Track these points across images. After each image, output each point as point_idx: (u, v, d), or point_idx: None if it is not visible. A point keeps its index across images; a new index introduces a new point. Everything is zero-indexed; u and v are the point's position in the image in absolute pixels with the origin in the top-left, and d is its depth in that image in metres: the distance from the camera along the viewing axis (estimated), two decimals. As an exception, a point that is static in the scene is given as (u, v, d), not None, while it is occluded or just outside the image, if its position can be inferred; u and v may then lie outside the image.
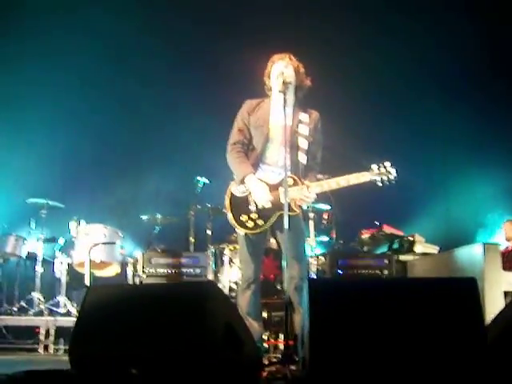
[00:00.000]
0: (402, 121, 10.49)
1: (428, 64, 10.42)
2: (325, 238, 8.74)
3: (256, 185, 4.93)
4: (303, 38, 9.18)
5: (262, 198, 4.89)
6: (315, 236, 8.11)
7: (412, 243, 8.68)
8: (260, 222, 4.91)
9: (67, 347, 3.66)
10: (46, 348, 7.29)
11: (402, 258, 8.35)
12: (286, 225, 4.28)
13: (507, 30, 9.92)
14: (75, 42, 10.07)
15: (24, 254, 8.63)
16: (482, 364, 3.01)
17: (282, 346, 6.32)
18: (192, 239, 8.43)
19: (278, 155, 5.02)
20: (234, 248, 7.85)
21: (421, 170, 10.18)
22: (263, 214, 4.92)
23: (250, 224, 4.93)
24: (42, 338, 7.34)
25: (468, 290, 3.22)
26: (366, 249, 8.99)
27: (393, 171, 4.96)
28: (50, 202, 8.61)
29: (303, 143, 5.05)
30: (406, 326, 3.10)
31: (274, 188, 4.94)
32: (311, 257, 7.73)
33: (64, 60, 10.11)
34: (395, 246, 8.79)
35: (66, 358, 3.45)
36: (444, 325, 3.10)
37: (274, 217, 4.90)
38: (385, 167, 4.94)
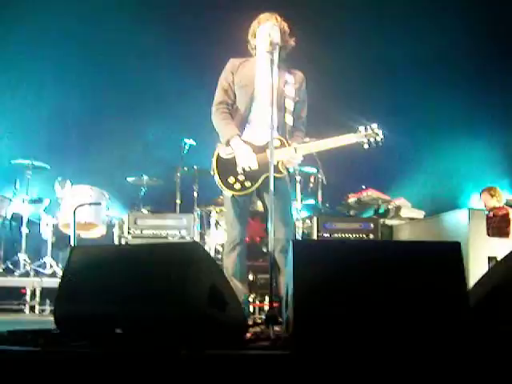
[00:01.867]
0: (390, 83, 10.45)
1: (415, 27, 10.34)
2: (311, 201, 8.77)
3: (240, 147, 4.90)
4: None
5: (246, 161, 4.88)
6: (301, 199, 8.13)
7: (398, 208, 8.72)
8: (247, 183, 4.91)
9: (53, 308, 3.66)
10: (31, 309, 7.32)
11: (388, 222, 8.40)
12: (271, 186, 4.26)
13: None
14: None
15: (9, 215, 8.59)
16: (464, 326, 3.04)
17: (267, 308, 6.35)
18: (178, 201, 8.43)
19: (263, 115, 4.93)
20: (221, 210, 7.85)
21: (407, 133, 10.17)
22: (250, 175, 4.91)
23: (237, 186, 4.92)
24: (27, 298, 7.36)
25: (452, 253, 3.22)
26: (352, 212, 9.03)
27: (380, 133, 4.94)
28: (36, 163, 8.54)
29: (290, 104, 5.04)
30: (390, 288, 3.11)
31: (260, 149, 4.91)
32: (297, 220, 7.76)
33: (50, 20, 9.97)
34: (381, 210, 8.82)
35: (51, 318, 3.46)
36: (428, 287, 3.12)
37: (261, 178, 4.89)
38: (372, 129, 4.92)
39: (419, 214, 8.79)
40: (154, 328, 3.13)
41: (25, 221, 8.38)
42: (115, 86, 10.43)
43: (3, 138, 9.97)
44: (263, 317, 5.84)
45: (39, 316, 7.13)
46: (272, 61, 4.68)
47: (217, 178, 5.00)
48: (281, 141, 4.92)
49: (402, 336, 3.01)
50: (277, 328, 3.89)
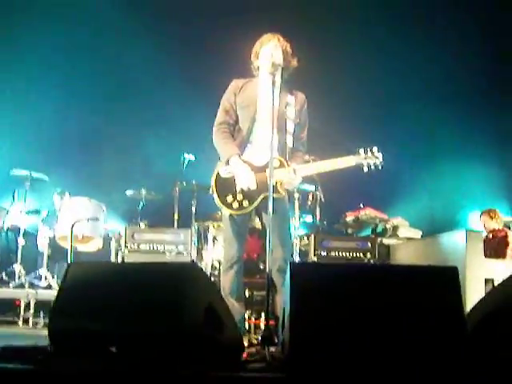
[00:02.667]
0: (388, 104, 10.48)
1: (413, 45, 10.39)
2: (309, 219, 8.76)
3: (239, 167, 4.91)
4: (291, 17, 9.14)
5: (244, 181, 4.88)
6: (299, 216, 8.12)
7: (396, 227, 8.73)
8: (245, 203, 4.91)
9: (47, 321, 3.64)
10: (25, 321, 7.27)
11: (386, 241, 8.40)
12: (270, 208, 4.26)
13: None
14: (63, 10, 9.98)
15: (6, 226, 8.59)
16: (461, 352, 3.03)
17: (262, 326, 6.33)
18: (176, 216, 8.42)
19: (264, 136, 4.93)
20: (218, 226, 7.83)
21: (406, 153, 10.19)
22: (248, 195, 4.90)
23: (235, 205, 4.92)
24: (21, 311, 7.32)
25: (449, 278, 3.22)
26: (349, 231, 9.03)
27: (379, 156, 4.96)
28: (34, 174, 8.55)
29: (290, 126, 5.06)
30: (387, 313, 3.11)
31: (260, 169, 4.91)
32: (295, 237, 7.77)
33: (51, 27, 10.00)
34: (379, 229, 8.83)
35: (45, 331, 3.44)
36: (425, 313, 3.11)
37: (259, 198, 4.89)
38: (372, 152, 4.94)
39: (416, 233, 8.80)
40: (150, 347, 3.12)
41: (21, 232, 8.37)
42: (115, 99, 10.47)
43: (2, 149, 9.96)
44: (259, 336, 5.82)
45: (33, 329, 7.09)
46: (274, 82, 4.73)
47: (215, 196, 5.01)
48: (280, 161, 4.92)
49: (400, 361, 3.00)
50: (272, 349, 3.88)
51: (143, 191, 8.91)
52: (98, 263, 5.01)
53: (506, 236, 8.17)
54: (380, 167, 4.96)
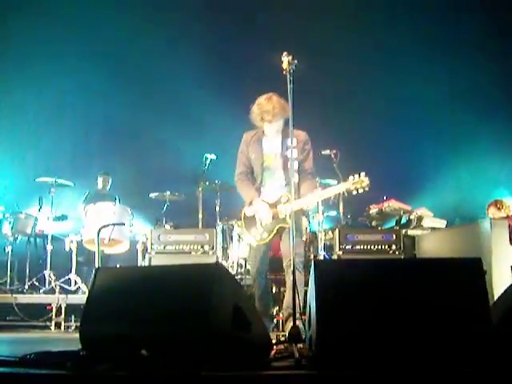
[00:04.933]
0: (411, 94, 10.44)
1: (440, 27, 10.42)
2: (333, 213, 8.78)
3: (260, 206, 5.85)
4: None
5: (264, 217, 5.82)
6: (323, 211, 8.14)
7: (420, 217, 8.68)
8: (265, 235, 5.85)
9: (78, 324, 3.71)
10: (57, 325, 7.38)
11: (410, 232, 8.37)
12: (291, 240, 4.65)
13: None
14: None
15: (34, 233, 8.71)
16: (487, 343, 3.04)
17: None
18: (200, 216, 8.48)
19: (273, 178, 5.98)
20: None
21: (429, 144, 10.17)
22: (267, 228, 5.85)
23: (258, 237, 5.88)
24: (53, 315, 7.43)
25: (474, 269, 3.24)
26: (374, 223, 9.00)
27: (366, 180, 5.67)
28: (59, 181, 8.67)
29: (294, 165, 5.49)
30: (412, 306, 3.13)
31: (273, 206, 5.83)
32: (319, 231, 7.80)
33: (75, 37, 10.14)
34: (403, 220, 8.79)
35: (77, 335, 3.51)
36: (450, 305, 3.13)
37: (275, 230, 5.81)
38: (359, 177, 5.66)
39: (441, 223, 8.75)
40: (179, 350, 3.16)
41: (49, 238, 8.48)
42: (138, 103, 10.54)
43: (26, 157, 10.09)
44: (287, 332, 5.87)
45: (65, 332, 7.20)
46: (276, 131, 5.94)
47: (244, 231, 6.03)
48: (288, 197, 5.67)
49: (426, 354, 3.02)
50: (300, 345, 3.92)
51: (167, 193, 8.99)
52: (125, 268, 5.07)
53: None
54: (367, 189, 5.72)
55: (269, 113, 5.77)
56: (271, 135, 5.98)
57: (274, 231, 5.81)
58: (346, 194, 6.48)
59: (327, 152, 8.09)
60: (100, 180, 9.63)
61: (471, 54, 10.36)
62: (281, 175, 5.94)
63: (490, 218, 6.68)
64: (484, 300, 3.16)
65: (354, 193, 5.75)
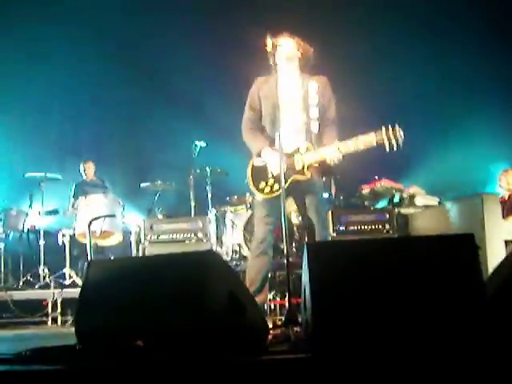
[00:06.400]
0: (399, 73, 10.43)
1: (422, 14, 10.36)
2: (325, 195, 8.77)
3: (270, 157, 5.15)
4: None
5: (275, 166, 5.07)
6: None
7: (412, 196, 8.69)
8: (276, 186, 5.12)
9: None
10: (54, 320, 7.37)
11: (403, 211, 8.38)
12: (282, 193, 4.45)
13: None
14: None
15: (26, 228, 8.69)
16: (481, 319, 3.04)
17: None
18: (193, 203, 8.45)
19: (289, 123, 5.15)
20: (235, 210, 7.89)
21: (418, 121, 10.14)
22: (278, 179, 4.91)
23: (267, 189, 5.19)
24: (49, 310, 7.42)
25: (466, 245, 3.23)
26: (366, 203, 9.00)
27: (401, 132, 4.90)
28: (48, 175, 8.64)
29: (314, 111, 5.22)
30: (406, 285, 3.12)
31: (289, 155, 5.10)
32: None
33: (68, 30, 10.08)
34: (396, 199, 8.79)
35: (73, 329, 3.49)
36: (444, 282, 3.13)
37: (289, 181, 5.04)
38: (394, 130, 4.88)
39: (434, 200, 8.74)
40: (176, 338, 3.16)
41: (42, 233, 8.47)
42: (126, 92, 10.47)
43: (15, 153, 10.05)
44: (283, 316, 5.86)
45: (62, 327, 7.19)
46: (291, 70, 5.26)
47: (250, 183, 5.33)
48: (307, 147, 5.13)
49: (421, 334, 3.02)
50: (296, 328, 3.92)
51: (159, 182, 8.96)
52: (118, 259, 5.06)
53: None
54: (401, 144, 4.87)
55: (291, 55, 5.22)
56: (289, 75, 5.31)
57: (288, 183, 4.99)
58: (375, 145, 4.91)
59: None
60: (83, 168, 9.54)
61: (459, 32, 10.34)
62: (300, 119, 5.18)
63: (483, 193, 6.66)
64: (478, 275, 3.16)
65: (387, 147, 4.84)
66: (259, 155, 5.25)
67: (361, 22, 10.31)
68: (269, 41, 5.05)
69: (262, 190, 5.22)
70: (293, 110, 5.20)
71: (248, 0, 9.90)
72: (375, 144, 4.92)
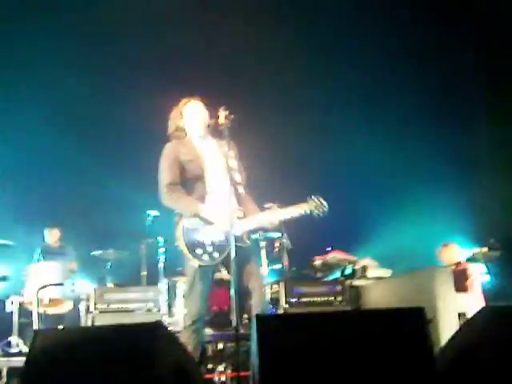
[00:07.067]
0: (351, 143, 10.59)
1: (367, 83, 10.60)
2: (277, 266, 8.76)
3: (211, 213, 4.98)
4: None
5: (214, 233, 4.94)
6: (268, 264, 8.12)
7: (364, 268, 8.72)
8: (215, 254, 4.91)
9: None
10: (-2, 389, 7.15)
11: (356, 283, 8.39)
12: (232, 254, 4.39)
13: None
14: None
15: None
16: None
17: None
18: (144, 273, 8.37)
19: (219, 186, 5.05)
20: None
21: (372, 195, 10.27)
22: (217, 246, 4.94)
23: (205, 257, 4.90)
24: (-6, 379, 7.20)
25: (416, 319, 3.24)
26: (319, 275, 9.01)
27: (325, 203, 5.04)
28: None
29: (238, 176, 5.17)
30: (357, 360, 3.10)
31: (225, 219, 4.87)
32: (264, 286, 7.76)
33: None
34: (348, 271, 8.82)
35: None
36: (394, 355, 3.12)
37: (229, 249, 4.78)
38: (318, 199, 5.03)
39: (386, 272, 8.79)
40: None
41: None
42: (78, 160, 10.42)
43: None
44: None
45: (6, 397, 6.98)
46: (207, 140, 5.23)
47: (184, 249, 4.95)
48: (243, 212, 5.05)
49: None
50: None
51: (111, 250, 8.86)
52: (65, 330, 4.94)
53: (465, 269, 8.16)
54: (325, 214, 5.03)
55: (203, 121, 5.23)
56: (204, 143, 5.28)
57: (227, 251, 4.81)
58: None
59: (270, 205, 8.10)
60: (47, 233, 9.46)
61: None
62: (227, 183, 4.88)
63: (435, 266, 6.72)
64: (428, 348, 3.16)
65: (315, 214, 4.98)
66: (196, 215, 4.98)
67: (297, 92, 10.50)
68: (180, 104, 5.28)
69: (198, 257, 4.90)
70: (219, 174, 5.08)
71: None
72: (304, 213, 5.01)
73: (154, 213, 8.31)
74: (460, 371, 3.31)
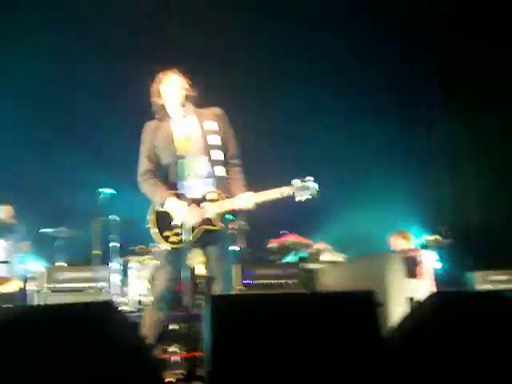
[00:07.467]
0: (311, 128, 10.61)
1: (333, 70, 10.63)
2: (234, 248, 8.74)
3: (176, 208, 4.84)
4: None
5: (181, 218, 4.79)
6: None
7: (319, 252, 8.77)
8: (185, 237, 4.76)
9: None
10: None
11: (310, 266, 8.42)
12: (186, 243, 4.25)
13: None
14: None
15: None
16: (379, 373, 3.05)
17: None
18: (96, 252, 8.25)
19: (193, 169, 4.90)
20: (139, 261, 7.76)
21: (327, 177, 10.28)
22: (187, 230, 4.77)
23: (175, 239, 4.82)
24: None
25: (367, 302, 3.25)
26: (273, 258, 9.02)
27: (315, 185, 4.81)
28: None
29: (217, 154, 4.97)
30: (307, 341, 3.10)
31: (197, 202, 4.83)
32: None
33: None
34: (302, 254, 8.85)
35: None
36: (343, 338, 3.12)
37: (199, 232, 4.80)
38: (305, 181, 4.79)
39: (339, 257, 8.86)
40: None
41: None
42: (31, 134, 10.22)
43: None
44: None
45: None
46: (185, 111, 4.87)
47: (155, 231, 4.92)
48: (218, 194, 4.87)
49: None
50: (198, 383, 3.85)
51: (62, 228, 8.72)
52: (13, 308, 4.86)
53: (416, 256, 8.23)
54: (316, 196, 4.81)
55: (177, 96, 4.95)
56: (182, 118, 5.00)
57: (199, 234, 4.79)
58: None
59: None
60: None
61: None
62: (203, 165, 4.88)
63: (387, 251, 6.78)
64: (377, 331, 3.17)
65: (297, 199, 4.76)
66: (163, 206, 4.88)
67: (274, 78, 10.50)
68: (156, 82, 5.03)
69: (168, 240, 4.84)
70: (196, 156, 4.90)
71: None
72: (290, 194, 4.77)
73: (108, 191, 8.19)
74: (407, 353, 3.33)
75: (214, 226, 4.82)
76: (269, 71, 10.58)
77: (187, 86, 5.04)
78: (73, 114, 10.24)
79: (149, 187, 5.00)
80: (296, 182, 4.77)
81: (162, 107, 5.06)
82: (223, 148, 5.02)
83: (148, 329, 4.82)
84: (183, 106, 4.98)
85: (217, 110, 5.13)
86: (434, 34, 10.62)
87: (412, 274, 7.61)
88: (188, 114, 5.02)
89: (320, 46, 10.54)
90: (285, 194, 4.77)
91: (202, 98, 5.16)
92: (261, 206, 4.90)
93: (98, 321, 3.16)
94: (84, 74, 10.10)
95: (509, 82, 9.98)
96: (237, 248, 8.55)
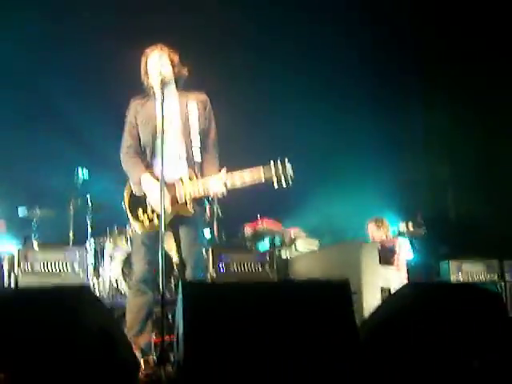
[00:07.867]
0: (288, 115, 10.61)
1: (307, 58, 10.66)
2: (207, 234, 8.72)
3: (150, 187, 4.78)
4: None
5: (155, 199, 4.66)
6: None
7: (293, 239, 8.78)
8: (157, 221, 4.69)
9: None
10: None
11: (284, 253, 8.45)
12: (162, 228, 4.22)
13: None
14: None
15: None
16: (353, 361, 3.08)
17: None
18: (71, 234, 8.19)
19: (169, 150, 4.76)
20: (115, 243, 7.72)
21: (303, 162, 10.29)
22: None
23: (147, 223, 4.79)
24: None
25: (340, 290, 3.27)
26: (248, 244, 9.02)
27: (289, 168, 4.62)
28: None
29: (195, 139, 4.92)
30: (280, 329, 3.12)
31: (170, 186, 4.72)
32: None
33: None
34: (276, 241, 8.87)
35: None
36: (317, 326, 3.15)
37: (171, 215, 4.73)
38: (282, 162, 4.61)
39: (314, 243, 8.88)
40: (40, 371, 3.02)
41: None
42: (6, 113, 10.11)
43: None
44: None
45: None
46: (163, 95, 4.66)
47: (128, 213, 4.89)
48: (190, 177, 4.80)
49: (294, 376, 3.01)
50: (169, 367, 3.84)
51: (36, 209, 8.62)
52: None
53: (392, 244, 8.27)
54: (290, 181, 4.60)
55: (163, 76, 4.76)
56: (166, 94, 4.73)
57: (170, 217, 4.70)
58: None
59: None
60: None
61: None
62: (180, 147, 4.84)
63: (361, 240, 6.81)
64: (351, 319, 3.20)
65: (276, 184, 4.55)
66: (138, 183, 4.82)
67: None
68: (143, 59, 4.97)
69: (141, 223, 4.80)
70: (173, 137, 4.83)
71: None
72: (263, 180, 4.60)
73: (85, 172, 8.11)
74: (381, 342, 3.37)
75: (187, 210, 4.76)
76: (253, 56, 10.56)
77: (175, 63, 4.98)
78: (48, 93, 10.09)
79: (129, 163, 4.96)
80: (272, 165, 4.60)
81: (151, 87, 5.00)
82: (202, 133, 4.96)
83: (134, 313, 4.82)
84: (168, 84, 4.86)
85: (202, 96, 5.10)
86: (410, 21, 10.70)
87: (387, 262, 7.68)
88: (172, 94, 4.95)
89: (297, 30, 10.55)
90: (262, 179, 4.61)
91: (189, 79, 5.13)
92: (235, 191, 4.83)
93: (73, 304, 3.16)
94: (59, 55, 9.97)
95: (487, 68, 10.01)
96: (209, 233, 8.53)
